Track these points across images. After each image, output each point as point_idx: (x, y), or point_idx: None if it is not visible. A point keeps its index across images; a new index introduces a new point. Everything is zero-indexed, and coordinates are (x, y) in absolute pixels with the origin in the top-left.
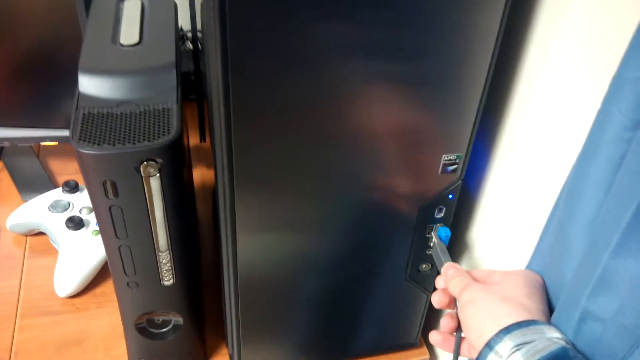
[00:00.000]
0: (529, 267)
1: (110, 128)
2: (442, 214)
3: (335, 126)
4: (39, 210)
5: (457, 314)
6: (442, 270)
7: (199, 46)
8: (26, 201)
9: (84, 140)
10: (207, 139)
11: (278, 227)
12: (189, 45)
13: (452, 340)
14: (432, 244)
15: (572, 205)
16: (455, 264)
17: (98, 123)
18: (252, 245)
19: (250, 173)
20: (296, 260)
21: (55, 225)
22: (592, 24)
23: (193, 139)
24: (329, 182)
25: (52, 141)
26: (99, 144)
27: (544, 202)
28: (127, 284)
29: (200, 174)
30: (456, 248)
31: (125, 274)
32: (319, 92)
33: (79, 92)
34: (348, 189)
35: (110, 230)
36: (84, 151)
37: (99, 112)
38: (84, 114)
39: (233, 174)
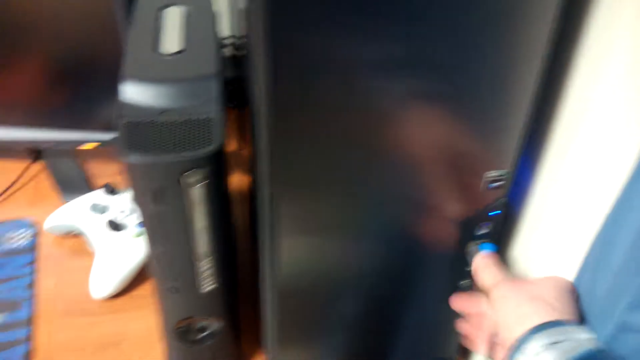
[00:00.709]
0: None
1: (154, 137)
2: (485, 231)
3: (377, 138)
4: (78, 212)
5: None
6: (476, 259)
7: (241, 52)
8: (66, 202)
9: (128, 149)
10: (246, 145)
11: (317, 236)
12: (230, 51)
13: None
14: (469, 250)
15: (620, 219)
16: (492, 254)
17: (141, 132)
18: (292, 253)
19: (291, 181)
20: (334, 270)
21: (93, 227)
22: None
23: (231, 145)
24: (369, 194)
25: (92, 143)
26: (142, 153)
27: (594, 220)
28: (168, 290)
29: (235, 180)
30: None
31: (167, 279)
32: (363, 102)
33: (121, 100)
34: (387, 201)
35: (153, 236)
36: (128, 160)
37: (142, 121)
38: (127, 123)
39: (275, 180)
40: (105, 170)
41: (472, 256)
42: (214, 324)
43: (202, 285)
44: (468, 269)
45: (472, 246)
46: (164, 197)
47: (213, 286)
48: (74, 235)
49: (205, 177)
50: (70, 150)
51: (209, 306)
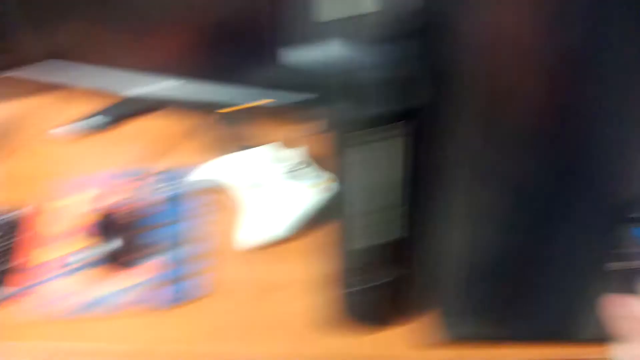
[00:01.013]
0: None
1: (350, 93)
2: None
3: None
4: (231, 166)
5: None
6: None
7: (425, 27)
8: (222, 156)
9: (330, 104)
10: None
11: (484, 219)
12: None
13: None
14: (620, 233)
15: None
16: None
17: (334, 90)
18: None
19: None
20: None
21: (248, 181)
22: None
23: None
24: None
25: (257, 101)
26: (345, 107)
27: None
28: (347, 238)
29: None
30: None
31: (347, 230)
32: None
33: (296, 61)
34: (548, 181)
35: (339, 189)
36: (329, 115)
37: (331, 81)
38: (318, 82)
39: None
40: (268, 128)
41: (622, 240)
42: (391, 274)
43: (384, 234)
44: (617, 252)
45: (622, 229)
46: (360, 149)
47: (397, 236)
48: (223, 188)
49: (405, 132)
50: (231, 108)
51: (391, 256)
